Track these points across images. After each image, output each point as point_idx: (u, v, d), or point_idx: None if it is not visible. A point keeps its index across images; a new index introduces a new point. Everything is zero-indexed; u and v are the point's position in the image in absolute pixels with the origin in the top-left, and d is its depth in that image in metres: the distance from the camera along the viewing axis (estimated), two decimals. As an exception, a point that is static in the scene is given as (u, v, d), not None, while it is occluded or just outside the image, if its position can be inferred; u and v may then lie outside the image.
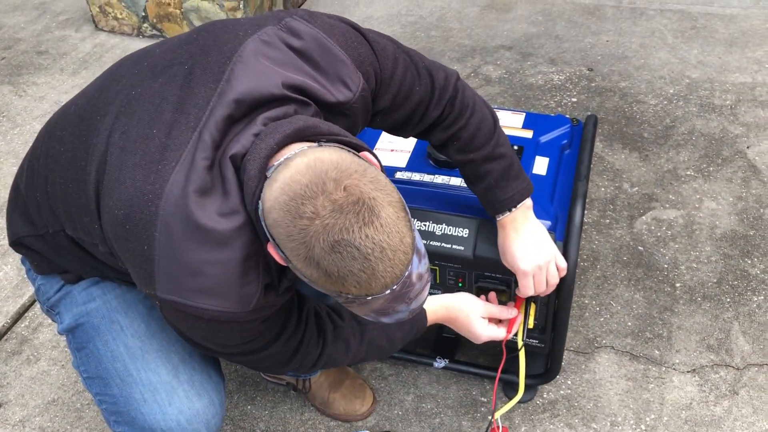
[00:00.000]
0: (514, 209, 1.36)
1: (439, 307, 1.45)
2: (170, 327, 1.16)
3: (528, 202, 1.38)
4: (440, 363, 1.79)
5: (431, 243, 1.51)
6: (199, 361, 1.29)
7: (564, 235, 1.49)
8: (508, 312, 1.46)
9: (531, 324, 1.52)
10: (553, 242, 1.41)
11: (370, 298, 0.94)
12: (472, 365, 1.80)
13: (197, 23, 3.20)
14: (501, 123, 1.71)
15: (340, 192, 0.90)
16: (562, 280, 1.42)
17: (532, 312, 1.50)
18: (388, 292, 0.95)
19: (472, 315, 1.44)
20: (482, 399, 1.77)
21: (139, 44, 3.31)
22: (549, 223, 1.50)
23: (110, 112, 1.10)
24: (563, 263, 1.40)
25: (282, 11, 1.20)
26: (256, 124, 1.02)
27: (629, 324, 1.90)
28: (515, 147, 1.65)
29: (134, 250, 1.02)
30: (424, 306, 1.40)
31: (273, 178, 0.95)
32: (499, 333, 1.46)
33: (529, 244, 1.37)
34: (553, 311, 1.55)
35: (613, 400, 1.74)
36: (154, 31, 3.33)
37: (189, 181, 0.98)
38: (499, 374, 1.49)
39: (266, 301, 1.06)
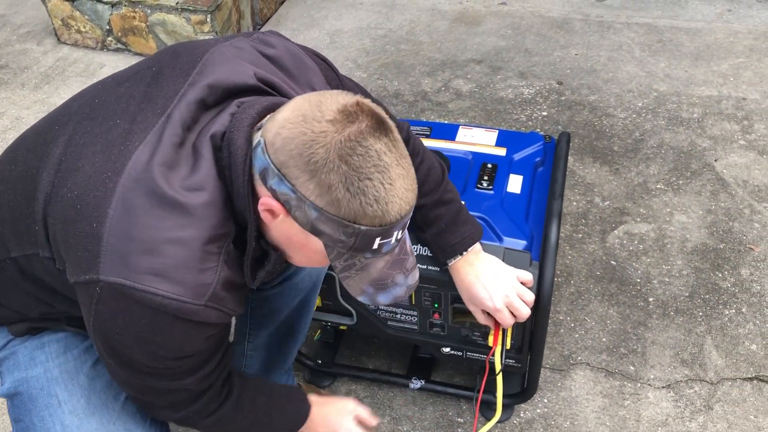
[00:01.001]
0: (465, 253, 1.35)
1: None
2: (111, 397, 1.13)
3: (478, 246, 1.37)
4: (416, 384, 1.77)
5: (406, 264, 1.48)
6: None
7: (540, 254, 1.47)
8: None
9: (508, 345, 1.50)
10: (511, 268, 1.39)
11: (379, 230, 0.91)
12: (448, 385, 1.78)
13: (163, 37, 3.14)
14: (474, 140, 1.73)
15: (351, 103, 0.91)
16: (536, 302, 1.41)
17: (509, 333, 1.49)
18: (397, 234, 0.95)
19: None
20: (459, 420, 1.75)
21: (103, 58, 3.24)
22: (524, 242, 1.48)
23: (71, 121, 1.05)
24: (529, 295, 1.38)
25: (254, 32, 1.18)
26: (231, 106, 1.00)
27: (604, 340, 1.90)
28: (489, 165, 1.64)
29: (80, 232, 0.93)
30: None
31: (267, 124, 0.94)
32: None
33: (490, 280, 1.35)
34: (530, 330, 1.54)
35: (589, 418, 1.73)
36: (119, 45, 3.26)
37: (155, 155, 0.94)
38: (480, 397, 1.47)
39: (222, 303, 0.97)
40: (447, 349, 1.64)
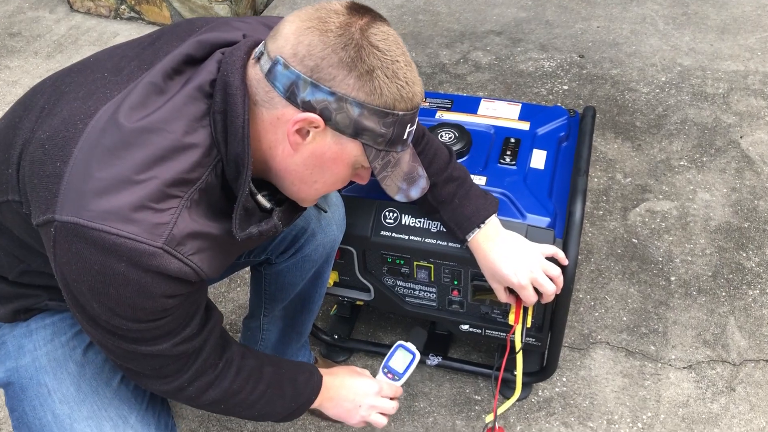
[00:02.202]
0: (482, 225, 1.32)
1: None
2: (103, 383, 1.09)
3: (496, 220, 1.35)
4: (433, 360, 1.75)
5: (426, 240, 1.46)
6: (136, 426, 1.15)
7: (563, 232, 1.44)
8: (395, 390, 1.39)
9: (529, 323, 1.47)
10: (537, 244, 1.36)
11: (410, 114, 0.98)
12: (466, 362, 1.76)
13: (177, 6, 3.09)
14: (497, 113, 1.69)
15: (350, 1, 0.96)
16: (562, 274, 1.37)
17: (530, 312, 1.46)
18: (416, 111, 1.00)
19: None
20: (476, 397, 1.73)
21: (116, 27, 3.20)
22: (548, 219, 1.45)
23: (59, 77, 1.04)
24: (555, 270, 1.34)
25: (270, 17, 1.17)
26: (215, 55, 1.00)
27: (624, 319, 1.87)
28: (512, 140, 1.60)
29: (44, 172, 0.91)
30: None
31: (272, 45, 0.94)
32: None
33: (514, 255, 1.32)
34: (551, 309, 1.51)
35: (609, 398, 1.71)
36: (132, 14, 3.21)
37: (128, 97, 0.93)
38: (500, 376, 1.44)
39: (183, 251, 0.92)
40: (466, 327, 1.62)
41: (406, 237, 1.47)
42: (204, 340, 1.08)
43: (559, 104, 2.55)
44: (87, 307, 0.96)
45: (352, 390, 1.33)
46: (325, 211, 1.36)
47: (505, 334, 1.60)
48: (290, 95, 0.93)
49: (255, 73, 0.95)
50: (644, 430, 1.64)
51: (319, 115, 0.93)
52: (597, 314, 1.89)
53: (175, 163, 0.92)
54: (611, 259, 2.02)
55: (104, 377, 1.15)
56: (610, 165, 2.31)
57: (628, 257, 2.02)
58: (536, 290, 1.35)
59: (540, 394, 1.73)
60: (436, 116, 1.70)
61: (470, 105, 1.73)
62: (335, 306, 1.83)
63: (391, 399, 1.37)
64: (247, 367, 1.17)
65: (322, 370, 1.31)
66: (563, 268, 1.37)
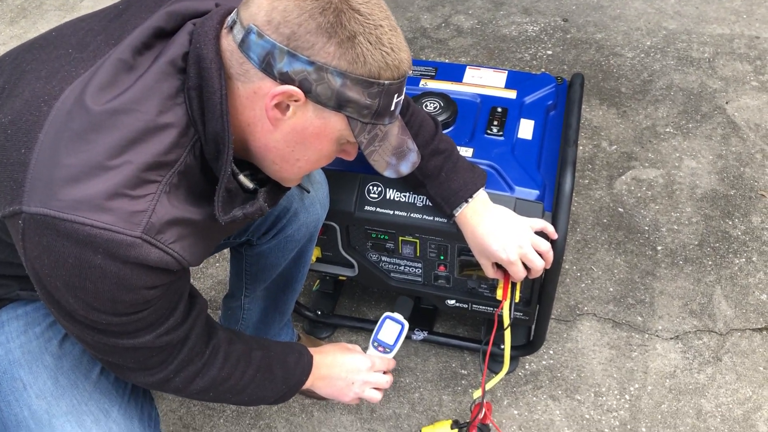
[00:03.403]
0: (470, 199, 1.28)
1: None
2: (81, 375, 1.03)
3: (484, 194, 1.30)
4: (419, 335, 1.72)
5: (411, 215, 1.41)
6: (118, 420, 1.09)
7: (553, 205, 1.40)
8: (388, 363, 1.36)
9: (517, 298, 1.44)
10: (526, 218, 1.32)
11: (397, 83, 0.92)
12: (452, 337, 1.74)
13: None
14: (483, 81, 1.63)
15: None
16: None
17: (518, 286, 1.42)
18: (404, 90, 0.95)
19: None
20: (462, 371, 1.71)
21: (83, -10, 3.07)
22: (537, 192, 1.41)
23: (19, 54, 0.96)
24: (544, 245, 1.31)
25: None
26: (186, 26, 0.93)
27: (611, 290, 1.85)
28: (499, 109, 1.55)
29: (8, 159, 0.84)
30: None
31: (245, 13, 0.87)
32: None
33: (502, 230, 1.28)
34: (540, 283, 1.47)
35: (596, 370, 1.69)
36: (100, -24, 3.08)
37: (95, 76, 0.86)
38: (488, 352, 1.41)
39: (163, 240, 0.86)
40: (452, 302, 1.59)
41: (391, 212, 1.43)
42: (189, 329, 1.04)
43: (543, 70, 2.49)
44: (62, 302, 0.90)
45: (344, 367, 1.29)
46: (308, 192, 1.30)
47: (492, 309, 1.57)
48: (266, 67, 0.87)
49: (228, 44, 0.89)
50: (632, 401, 1.63)
51: (298, 87, 0.87)
52: (583, 285, 1.86)
53: (149, 146, 0.85)
54: (597, 229, 1.99)
55: (83, 369, 1.10)
56: (596, 132, 2.27)
57: (614, 227, 1.99)
58: (525, 265, 1.31)
59: (527, 367, 1.71)
60: (420, 85, 1.64)
61: (455, 73, 1.67)
62: (318, 281, 1.79)
63: (384, 373, 1.34)
64: (234, 352, 1.13)
65: (311, 349, 1.27)
66: (552, 242, 1.34)
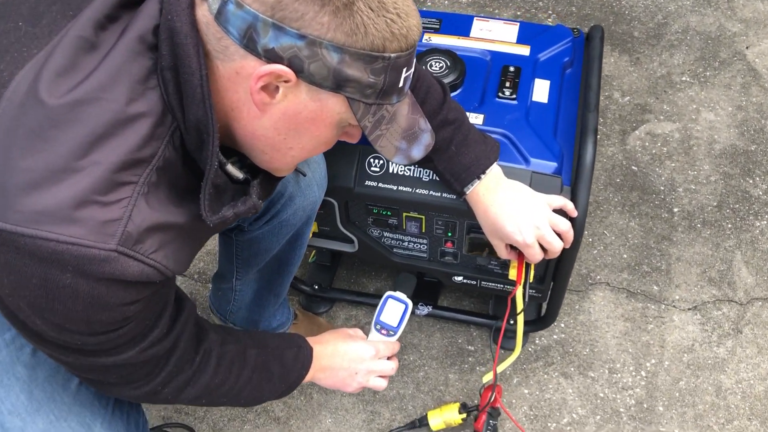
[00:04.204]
0: (483, 175, 1.15)
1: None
2: (59, 387, 0.92)
3: (497, 169, 1.17)
4: (423, 310, 1.62)
5: (417, 191, 1.28)
6: None
7: (572, 178, 1.27)
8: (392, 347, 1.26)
9: (531, 278, 1.33)
10: (544, 195, 1.19)
11: (405, 56, 0.79)
12: (457, 311, 1.64)
13: None
14: (492, 35, 1.47)
15: None
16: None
17: (532, 267, 1.31)
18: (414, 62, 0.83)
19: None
20: (469, 347, 1.62)
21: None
22: (554, 164, 1.28)
23: None
24: (564, 224, 1.19)
25: None
26: None
27: (625, 256, 1.75)
28: (511, 68, 1.40)
29: None
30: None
31: None
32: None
33: (518, 209, 1.16)
34: (556, 260, 1.36)
35: (610, 344, 1.60)
36: None
37: (51, 58, 0.72)
38: (501, 338, 1.31)
39: (144, 250, 0.74)
40: (459, 278, 1.48)
41: (394, 187, 1.30)
42: (176, 337, 0.92)
43: (550, 12, 2.31)
44: (28, 323, 0.78)
45: (347, 357, 1.19)
46: (305, 175, 1.17)
47: (503, 286, 1.46)
48: (248, 42, 0.72)
49: (203, 14, 0.74)
50: (648, 378, 1.55)
51: (287, 66, 0.73)
52: (596, 252, 1.76)
53: (120, 141, 0.72)
54: (610, 190, 1.87)
55: (60, 380, 0.98)
56: (607, 82, 2.12)
57: (627, 187, 1.87)
58: (542, 246, 1.20)
59: (537, 342, 1.62)
60: (424, 40, 1.48)
61: (461, 25, 1.50)
62: (314, 252, 1.67)
63: (389, 358, 1.24)
64: (228, 355, 1.03)
65: (311, 340, 1.17)
66: (572, 220, 1.22)
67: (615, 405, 1.51)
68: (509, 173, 1.21)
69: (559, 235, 1.19)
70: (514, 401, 1.53)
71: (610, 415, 1.50)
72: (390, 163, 1.30)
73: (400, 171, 1.30)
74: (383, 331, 1.26)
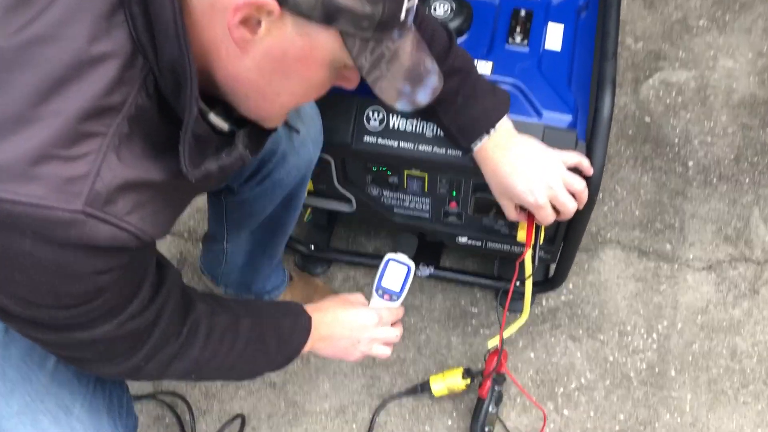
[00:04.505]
0: (492, 131, 1.05)
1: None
2: (34, 366, 0.84)
3: (508, 123, 1.07)
4: (424, 270, 1.54)
5: (419, 148, 1.19)
6: (81, 416, 0.93)
7: (587, 133, 1.18)
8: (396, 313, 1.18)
9: (541, 240, 1.25)
10: (557, 151, 1.10)
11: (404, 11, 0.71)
12: (461, 272, 1.56)
13: None
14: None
15: None
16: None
17: (542, 229, 1.22)
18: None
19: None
20: (472, 309, 1.55)
21: None
22: (569, 117, 1.18)
23: None
24: (579, 184, 1.10)
25: None
26: None
27: (637, 213, 1.66)
28: (522, 12, 1.28)
29: None
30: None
31: None
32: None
33: (530, 168, 1.06)
34: (567, 221, 1.28)
35: (620, 306, 1.53)
36: None
37: None
38: (507, 303, 1.23)
39: (115, 212, 0.65)
40: (464, 239, 1.40)
41: (395, 144, 1.20)
42: (159, 309, 0.84)
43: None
44: None
45: (348, 325, 1.12)
46: (298, 132, 1.07)
47: (510, 247, 1.38)
48: None
49: None
50: (660, 341, 1.48)
51: None
52: (606, 208, 1.67)
53: (84, 86, 0.63)
54: (622, 142, 1.77)
55: (36, 359, 0.91)
56: (619, 27, 1.99)
57: (640, 139, 1.77)
58: (554, 207, 1.11)
59: (544, 304, 1.55)
60: (425, -20, 1.36)
61: (467, -35, 1.38)
62: (309, 211, 1.58)
63: (392, 325, 1.17)
64: (218, 326, 0.95)
65: (309, 308, 1.09)
66: (587, 179, 1.13)
67: (625, 369, 1.45)
68: (520, 127, 1.11)
69: (572, 195, 1.10)
70: (519, 365, 1.47)
71: (620, 379, 1.44)
72: (390, 116, 1.20)
73: (402, 126, 1.20)
74: (385, 297, 1.18)
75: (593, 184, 1.14)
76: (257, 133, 0.80)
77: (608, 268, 1.58)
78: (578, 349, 1.48)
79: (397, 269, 1.19)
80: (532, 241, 1.19)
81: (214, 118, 0.75)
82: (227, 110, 0.78)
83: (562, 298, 1.55)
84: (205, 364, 0.95)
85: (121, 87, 0.66)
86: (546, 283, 1.48)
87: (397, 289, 1.18)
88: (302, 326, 1.06)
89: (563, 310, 1.53)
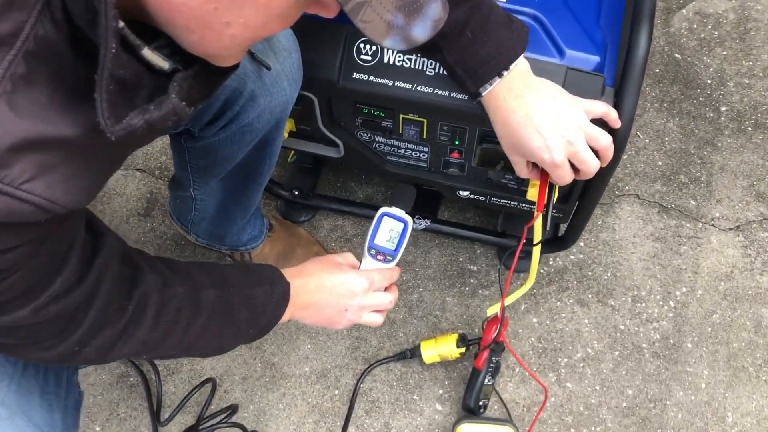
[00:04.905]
0: (505, 72, 0.87)
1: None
2: None
3: (524, 64, 0.89)
4: (420, 223, 1.38)
5: (418, 88, 1.01)
6: (7, 400, 0.80)
7: (617, 77, 1.00)
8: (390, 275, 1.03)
9: (554, 200, 1.08)
10: (580, 99, 0.92)
11: None
12: (460, 226, 1.40)
13: None
14: None
15: None
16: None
17: (556, 189, 1.06)
18: None
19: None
20: (471, 267, 1.40)
21: None
22: (596, 58, 1.00)
23: None
24: (605, 140, 0.92)
25: None
26: None
27: (659, 163, 1.49)
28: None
29: None
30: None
31: None
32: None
33: (547, 119, 0.89)
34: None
35: (635, 268, 1.38)
36: None
37: None
38: (514, 264, 1.07)
39: (11, 178, 0.52)
40: (465, 193, 1.23)
41: (390, 82, 1.02)
42: (93, 285, 0.70)
43: None
44: None
45: (334, 291, 0.97)
46: (268, 68, 0.88)
47: (518, 204, 1.22)
48: None
49: None
50: (677, 310, 1.34)
51: None
52: (626, 157, 1.50)
53: None
54: (647, 82, 1.58)
55: None
56: (652, -53, 1.76)
57: (668, 79, 1.58)
58: (572, 165, 0.94)
59: (551, 263, 1.40)
60: None
61: None
62: (292, 152, 1.41)
63: (386, 289, 1.02)
64: (173, 300, 0.80)
65: (289, 272, 0.93)
66: (613, 132, 0.96)
67: (637, 340, 1.32)
68: (538, 68, 0.93)
69: (595, 152, 0.93)
70: (520, 331, 1.33)
71: (631, 350, 1.31)
72: (385, 49, 1.01)
73: (399, 61, 1.01)
74: (379, 257, 1.03)
75: (620, 139, 0.97)
76: (206, 75, 0.62)
77: (624, 225, 1.43)
78: (586, 316, 1.34)
79: (391, 225, 1.03)
80: (545, 202, 1.02)
81: (150, 54, 0.57)
82: (172, 44, 0.60)
83: (571, 257, 1.40)
84: (157, 345, 0.81)
85: (11, 12, 0.48)
86: (555, 242, 1.33)
87: (392, 248, 1.03)
88: (279, 295, 0.91)
89: (572, 270, 1.39)
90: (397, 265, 1.04)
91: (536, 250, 1.07)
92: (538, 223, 1.03)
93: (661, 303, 1.35)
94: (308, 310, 0.96)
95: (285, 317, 0.93)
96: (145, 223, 1.45)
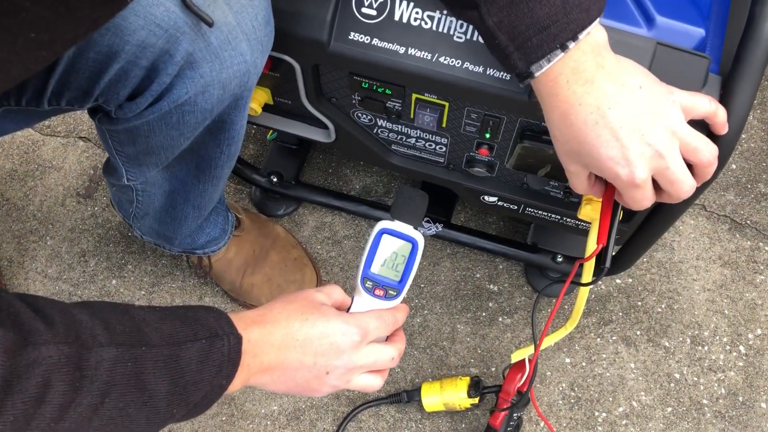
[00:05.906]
0: (571, 44, 0.59)
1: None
2: None
3: (599, 35, 0.61)
4: (430, 228, 1.09)
5: (441, 60, 0.71)
6: None
7: (732, 61, 0.70)
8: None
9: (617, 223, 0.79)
10: (670, 89, 0.63)
11: None
12: (478, 234, 1.11)
13: None
14: None
15: None
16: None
17: (620, 210, 0.76)
18: None
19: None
20: (491, 287, 1.11)
21: None
22: (701, 31, 0.70)
23: None
24: (707, 152, 0.63)
25: None
26: None
27: (733, 167, 1.19)
28: None
29: None
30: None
31: None
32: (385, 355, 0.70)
33: (628, 121, 0.60)
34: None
35: (697, 300, 1.10)
36: None
37: None
38: (557, 304, 0.79)
39: None
40: (492, 199, 0.94)
41: (401, 49, 0.72)
42: None
43: None
44: None
45: (309, 348, 0.65)
46: (209, 23, 0.58)
47: (561, 219, 0.93)
48: None
49: None
50: (749, 357, 1.06)
51: None
52: (691, 156, 1.20)
53: None
54: (721, 62, 1.27)
55: None
56: None
57: (748, 60, 1.27)
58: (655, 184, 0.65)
59: (591, 289, 1.11)
60: None
61: None
62: (272, 130, 1.11)
63: (388, 338, 0.73)
64: (37, 367, 0.49)
65: (242, 317, 0.63)
66: (717, 139, 0.66)
67: (696, 393, 1.04)
68: (614, 42, 0.63)
69: (689, 166, 0.64)
70: (549, 374, 1.06)
71: (688, 407, 1.03)
72: (397, 1, 0.71)
73: (416, 19, 0.71)
74: (377, 291, 0.71)
75: (725, 151, 0.68)
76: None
77: (686, 244, 1.13)
78: (632, 358, 1.06)
79: (395, 247, 0.72)
80: (608, 233, 0.73)
81: None
82: None
83: (617, 281, 1.11)
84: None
85: None
86: (603, 267, 1.04)
87: (396, 280, 0.71)
88: (224, 355, 0.61)
89: (617, 299, 1.10)
90: (404, 301, 0.74)
91: (584, 290, 0.79)
92: (586, 267, 0.74)
93: (728, 348, 1.07)
94: (271, 375, 0.65)
95: (234, 386, 0.63)
96: (86, 207, 1.15)
